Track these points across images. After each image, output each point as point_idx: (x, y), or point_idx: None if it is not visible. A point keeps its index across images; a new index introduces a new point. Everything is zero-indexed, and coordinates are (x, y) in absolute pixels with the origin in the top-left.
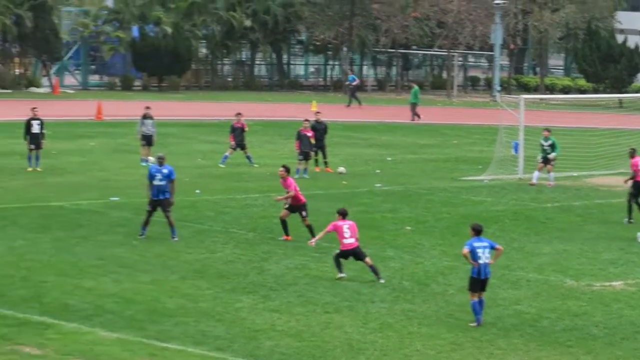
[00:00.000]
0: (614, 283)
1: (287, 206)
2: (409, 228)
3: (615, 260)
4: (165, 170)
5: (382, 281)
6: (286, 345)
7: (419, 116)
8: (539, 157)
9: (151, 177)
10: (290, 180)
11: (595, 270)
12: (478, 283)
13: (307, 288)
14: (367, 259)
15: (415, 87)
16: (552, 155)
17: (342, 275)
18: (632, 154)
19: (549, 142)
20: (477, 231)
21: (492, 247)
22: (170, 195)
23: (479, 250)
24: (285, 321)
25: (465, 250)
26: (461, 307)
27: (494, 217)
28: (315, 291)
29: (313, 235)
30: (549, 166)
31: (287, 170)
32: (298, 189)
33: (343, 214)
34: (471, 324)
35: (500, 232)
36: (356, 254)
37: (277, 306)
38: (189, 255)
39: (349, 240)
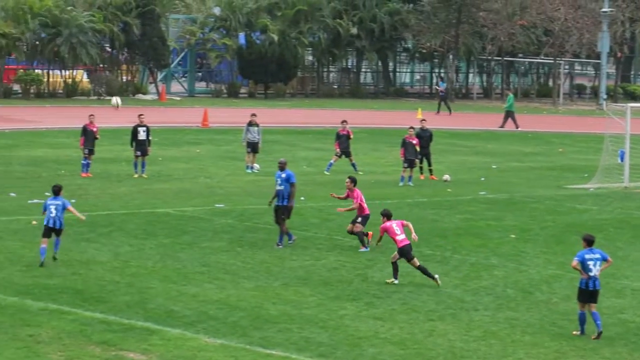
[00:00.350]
0: None
1: (359, 220)
2: (513, 236)
3: None
4: (283, 175)
5: (437, 277)
6: (389, 352)
7: (516, 125)
8: None
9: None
10: (357, 192)
11: None
12: (586, 294)
13: (411, 296)
14: (415, 260)
15: (511, 94)
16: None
17: (395, 281)
18: None
19: None
20: (589, 242)
21: (604, 259)
22: (289, 200)
23: (590, 263)
24: (389, 329)
25: (575, 262)
26: (565, 316)
27: (598, 226)
28: (418, 299)
29: (362, 244)
30: None
31: (354, 181)
32: (364, 200)
33: (387, 215)
34: (574, 332)
35: (605, 241)
36: (407, 252)
37: (381, 314)
38: (293, 262)
39: (401, 237)
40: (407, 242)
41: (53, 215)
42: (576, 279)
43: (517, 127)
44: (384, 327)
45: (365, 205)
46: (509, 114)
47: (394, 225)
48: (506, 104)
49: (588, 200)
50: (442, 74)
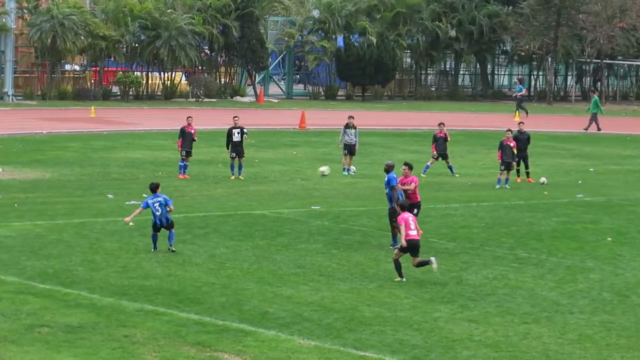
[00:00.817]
0: None
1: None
2: (609, 239)
3: None
4: (385, 179)
5: (434, 265)
6: (483, 355)
7: (598, 128)
8: None
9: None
10: (413, 177)
11: None
12: None
13: (506, 298)
14: (417, 259)
15: (595, 96)
16: None
17: (402, 279)
18: None
19: None
20: None
21: None
22: (392, 202)
23: None
24: (483, 331)
25: None
26: None
27: None
28: (513, 301)
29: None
30: None
31: (410, 167)
32: (417, 188)
33: (404, 207)
34: None
35: None
36: (416, 247)
37: (475, 316)
38: (389, 264)
39: (413, 232)
40: (417, 237)
41: (159, 214)
42: None
43: (598, 130)
44: (478, 329)
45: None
46: (594, 117)
47: (411, 219)
48: (591, 105)
49: None
50: (518, 79)
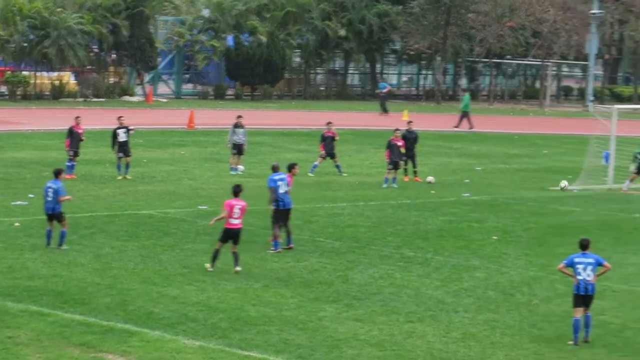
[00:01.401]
0: None
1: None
2: (495, 238)
3: None
4: (283, 176)
5: (238, 269)
6: (368, 354)
7: (470, 125)
8: (633, 167)
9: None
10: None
11: None
12: (579, 299)
13: (391, 297)
14: (235, 248)
15: (466, 95)
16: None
17: (210, 269)
18: None
19: None
20: (582, 246)
21: (599, 264)
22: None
23: (580, 267)
24: (368, 330)
25: (560, 265)
26: (545, 318)
27: (581, 227)
28: (399, 300)
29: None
30: None
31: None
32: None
33: (236, 192)
34: (569, 342)
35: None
36: (235, 236)
37: (361, 315)
38: (275, 263)
39: (236, 221)
40: (239, 226)
41: (50, 199)
42: (558, 280)
43: (471, 128)
44: (363, 328)
45: None
46: (465, 114)
47: (237, 207)
48: (462, 104)
49: (572, 202)
50: (382, 77)
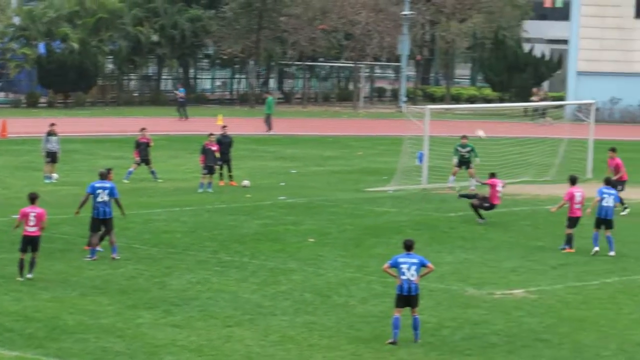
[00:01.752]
0: (515, 291)
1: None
2: (311, 240)
3: (516, 268)
4: (107, 185)
5: (29, 276)
6: (187, 359)
7: (270, 128)
8: (455, 161)
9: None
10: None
11: (497, 279)
12: (401, 299)
13: (209, 302)
14: (35, 255)
15: (270, 97)
16: (477, 161)
17: (20, 279)
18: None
19: (467, 148)
20: (407, 247)
21: (423, 264)
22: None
23: (404, 267)
24: (186, 336)
25: (385, 265)
26: (362, 319)
27: (396, 228)
28: (217, 305)
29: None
30: (470, 171)
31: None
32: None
33: (32, 199)
34: (388, 341)
35: None
36: (32, 242)
37: (179, 321)
38: (91, 271)
39: (32, 229)
40: (36, 234)
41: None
42: (374, 281)
43: (268, 130)
44: (181, 334)
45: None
46: (268, 117)
47: (33, 215)
48: (265, 106)
49: (387, 203)
50: (180, 82)
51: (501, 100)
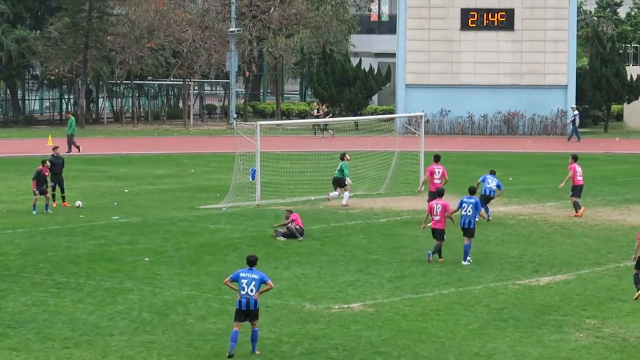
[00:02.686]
0: (352, 305)
1: None
2: (147, 259)
3: (353, 282)
4: None
5: None
6: None
7: (78, 148)
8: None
9: None
10: None
11: (334, 293)
12: (240, 314)
13: (46, 324)
14: None
15: (71, 117)
16: (348, 181)
17: None
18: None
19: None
20: (249, 262)
21: (263, 281)
22: None
23: (244, 282)
24: (24, 358)
25: (226, 279)
26: (201, 336)
27: (232, 245)
28: (53, 327)
29: None
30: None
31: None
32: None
33: None
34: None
35: (239, 259)
36: None
37: (15, 344)
38: None
39: None
40: None
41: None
42: (212, 299)
43: (69, 151)
44: (19, 357)
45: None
46: (70, 138)
47: None
48: (68, 127)
49: (221, 220)
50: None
51: (331, 115)
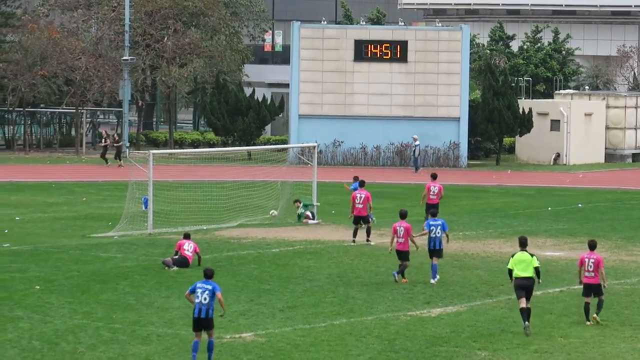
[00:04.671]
0: (244, 334)
1: None
2: (38, 287)
3: (245, 311)
4: None
5: None
6: None
7: None
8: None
9: None
10: None
11: (225, 322)
12: (196, 323)
13: None
14: None
15: None
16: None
17: None
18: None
19: None
20: (206, 275)
21: (215, 291)
22: None
23: (199, 291)
24: None
25: (186, 293)
26: None
27: (123, 273)
28: None
29: None
30: None
31: None
32: None
33: None
34: None
35: (131, 288)
36: None
37: None
38: None
39: None
40: None
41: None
42: (102, 327)
43: None
44: None
45: None
46: None
47: None
48: None
49: (113, 248)
50: None
51: (224, 145)
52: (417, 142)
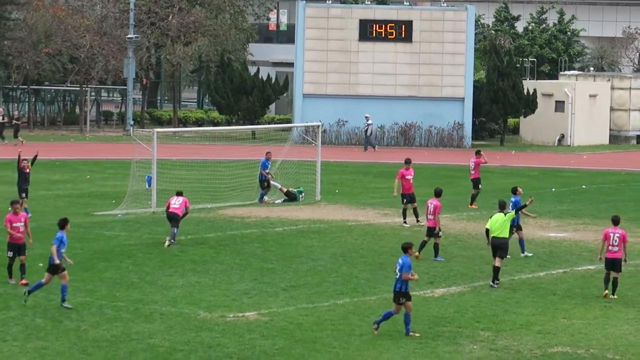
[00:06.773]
0: (247, 313)
1: None
2: (41, 265)
3: (248, 290)
4: None
5: None
6: None
7: None
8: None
9: None
10: None
11: (229, 302)
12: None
13: None
14: None
15: None
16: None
17: None
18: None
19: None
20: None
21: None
22: None
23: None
24: None
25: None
26: (95, 343)
27: (127, 252)
28: None
29: None
30: None
31: None
32: None
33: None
34: None
35: (134, 266)
36: None
37: None
38: None
39: None
40: None
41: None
42: (105, 305)
43: None
44: None
45: None
46: None
47: None
48: None
49: (116, 227)
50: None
51: (228, 124)
52: (370, 122)
